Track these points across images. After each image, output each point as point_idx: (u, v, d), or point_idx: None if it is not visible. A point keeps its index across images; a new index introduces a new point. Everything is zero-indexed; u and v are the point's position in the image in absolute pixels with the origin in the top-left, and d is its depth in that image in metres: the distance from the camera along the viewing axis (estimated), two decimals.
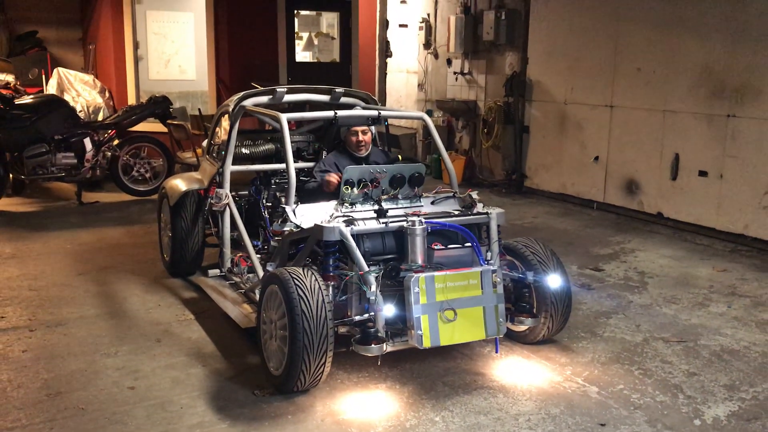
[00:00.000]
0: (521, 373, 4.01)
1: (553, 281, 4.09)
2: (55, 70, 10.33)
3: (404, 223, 3.92)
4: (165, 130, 8.79)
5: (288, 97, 5.32)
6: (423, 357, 4.13)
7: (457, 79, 10.25)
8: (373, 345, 3.61)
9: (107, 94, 10.38)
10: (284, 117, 4.47)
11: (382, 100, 12.50)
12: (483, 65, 9.78)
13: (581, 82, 8.33)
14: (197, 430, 3.37)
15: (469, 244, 4.01)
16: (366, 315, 3.73)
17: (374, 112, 4.84)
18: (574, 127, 8.48)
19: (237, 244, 5.21)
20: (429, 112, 10.93)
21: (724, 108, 6.79)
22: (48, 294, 5.21)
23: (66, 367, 4.02)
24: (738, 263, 6.22)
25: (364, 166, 4.43)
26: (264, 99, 5.23)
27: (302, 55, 11.01)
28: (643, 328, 4.72)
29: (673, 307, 5.13)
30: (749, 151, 6.60)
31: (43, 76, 10.73)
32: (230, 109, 5.14)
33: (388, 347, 3.67)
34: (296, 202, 4.26)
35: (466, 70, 10.07)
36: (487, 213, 4.21)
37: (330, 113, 4.69)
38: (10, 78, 10.26)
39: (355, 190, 4.20)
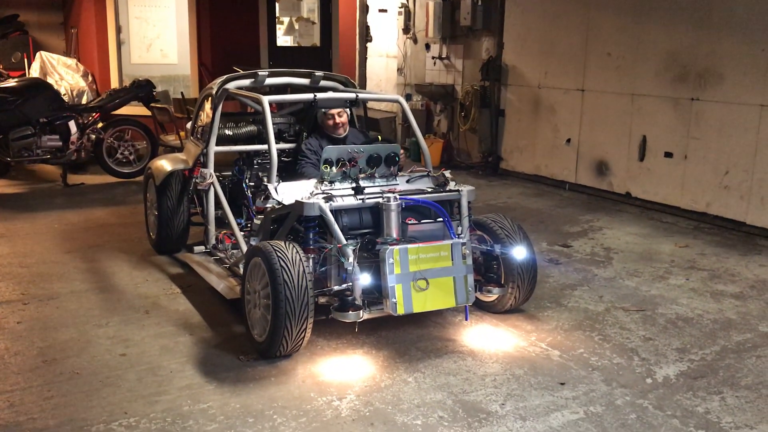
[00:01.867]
0: (489, 339, 4.29)
1: (519, 253, 4.36)
2: (37, 54, 10.43)
3: (380, 200, 4.17)
4: (148, 113, 8.95)
5: (269, 81, 5.52)
6: (398, 325, 4.40)
7: (435, 63, 10.48)
8: (350, 312, 3.87)
9: (90, 78, 10.50)
10: (266, 99, 4.69)
11: (363, 84, 12.71)
12: (460, 50, 10.01)
13: (554, 66, 8.60)
14: (186, 392, 3.61)
15: (441, 219, 4.27)
16: (344, 285, 3.98)
17: (352, 95, 5.07)
18: (548, 111, 8.76)
19: (221, 222, 5.43)
20: (408, 96, 11.18)
21: (688, 92, 7.09)
22: (39, 270, 5.42)
23: (59, 336, 4.24)
24: (699, 239, 6.55)
25: (342, 146, 4.67)
26: (246, 82, 5.43)
27: (283, 40, 11.18)
28: (605, 298, 5.02)
29: (635, 279, 5.44)
30: (711, 134, 6.92)
31: (26, 60, 10.83)
32: (213, 92, 5.35)
33: (364, 314, 3.93)
34: (278, 181, 4.49)
35: (444, 55, 10.30)
36: (458, 190, 4.46)
37: (309, 96, 4.93)
38: None
39: (334, 168, 4.43)
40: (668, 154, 7.36)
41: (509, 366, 3.95)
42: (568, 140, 8.48)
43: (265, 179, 4.94)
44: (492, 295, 4.53)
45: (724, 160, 6.82)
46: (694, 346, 4.24)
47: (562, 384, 3.75)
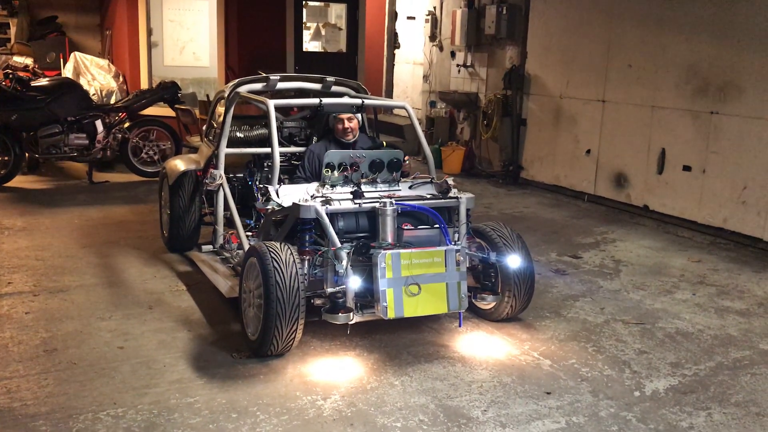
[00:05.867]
0: (482, 346, 4.31)
1: (513, 261, 4.37)
2: (72, 55, 10.73)
3: (376, 204, 4.22)
4: (173, 114, 9.14)
5: (281, 85, 5.61)
6: (393, 329, 4.44)
7: (459, 71, 10.50)
8: (340, 314, 3.93)
9: (121, 79, 10.77)
10: (272, 103, 4.78)
11: (389, 90, 12.79)
12: (485, 58, 10.02)
13: (576, 77, 8.56)
14: (176, 385, 3.70)
15: (437, 225, 4.30)
16: (337, 287, 4.04)
17: (357, 101, 5.14)
18: (569, 121, 8.72)
19: (230, 222, 5.54)
20: (432, 104, 11.22)
21: (708, 105, 7.00)
22: (53, 264, 5.58)
23: (63, 328, 4.38)
24: (714, 255, 6.45)
25: (343, 150, 4.73)
26: (258, 86, 5.53)
27: (310, 45, 11.31)
28: (606, 310, 4.99)
29: (640, 293, 5.39)
30: (730, 148, 6.82)
31: (61, 60, 11.15)
32: (226, 95, 5.46)
33: (355, 317, 3.98)
34: (280, 183, 4.57)
35: (468, 63, 10.31)
36: (457, 197, 4.49)
37: (315, 100, 5.00)
38: (29, 61, 10.67)
39: (336, 173, 4.50)
40: (687, 168, 7.27)
41: (498, 373, 3.95)
42: (588, 151, 8.43)
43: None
44: (487, 303, 4.54)
45: (743, 174, 6.71)
46: (688, 361, 4.20)
47: (548, 393, 3.74)
